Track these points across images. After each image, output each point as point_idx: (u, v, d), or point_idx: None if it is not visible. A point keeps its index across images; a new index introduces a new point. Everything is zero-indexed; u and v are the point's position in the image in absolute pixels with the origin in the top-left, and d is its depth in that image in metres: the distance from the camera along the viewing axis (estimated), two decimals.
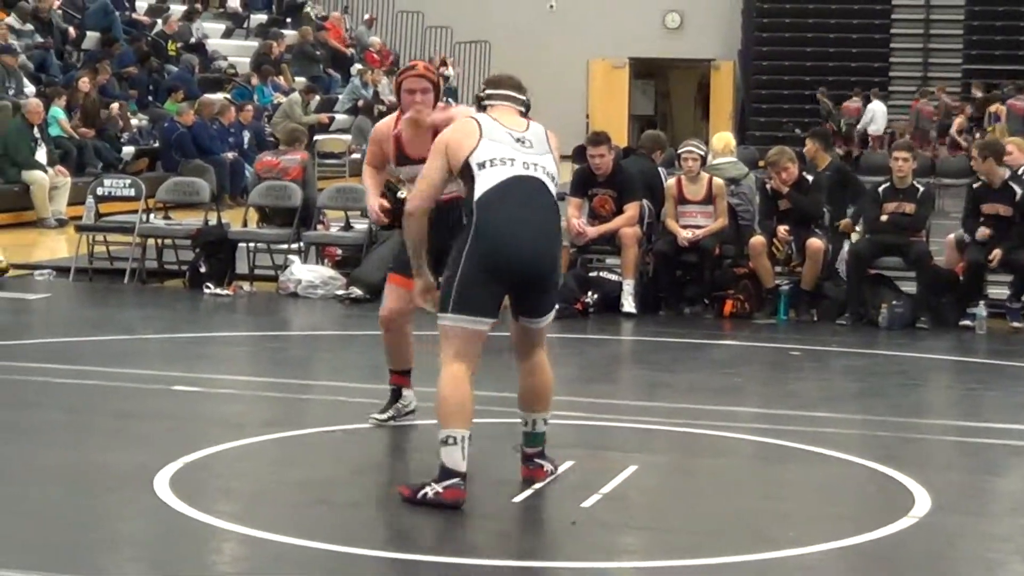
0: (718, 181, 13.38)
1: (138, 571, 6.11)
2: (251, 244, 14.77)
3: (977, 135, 26.80)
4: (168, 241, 15.10)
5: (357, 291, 13.48)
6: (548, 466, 7.29)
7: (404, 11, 35.63)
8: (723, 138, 14.74)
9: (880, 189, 13.13)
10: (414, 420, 8.38)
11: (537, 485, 7.16)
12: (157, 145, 22.82)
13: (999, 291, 13.08)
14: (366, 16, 34.74)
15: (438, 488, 6.72)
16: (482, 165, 6.92)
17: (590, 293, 13.11)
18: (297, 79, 28.66)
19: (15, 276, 14.77)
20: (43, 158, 19.60)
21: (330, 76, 30.43)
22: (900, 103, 32.94)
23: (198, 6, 29.23)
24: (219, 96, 25.08)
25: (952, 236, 13.16)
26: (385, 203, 8.39)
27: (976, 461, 8.32)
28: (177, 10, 28.33)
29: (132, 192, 15.53)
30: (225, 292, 14.03)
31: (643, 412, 9.15)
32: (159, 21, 27.56)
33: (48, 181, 19.32)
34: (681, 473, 7.92)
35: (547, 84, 29.14)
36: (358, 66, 30.65)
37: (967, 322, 12.67)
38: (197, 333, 12.38)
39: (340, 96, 29.49)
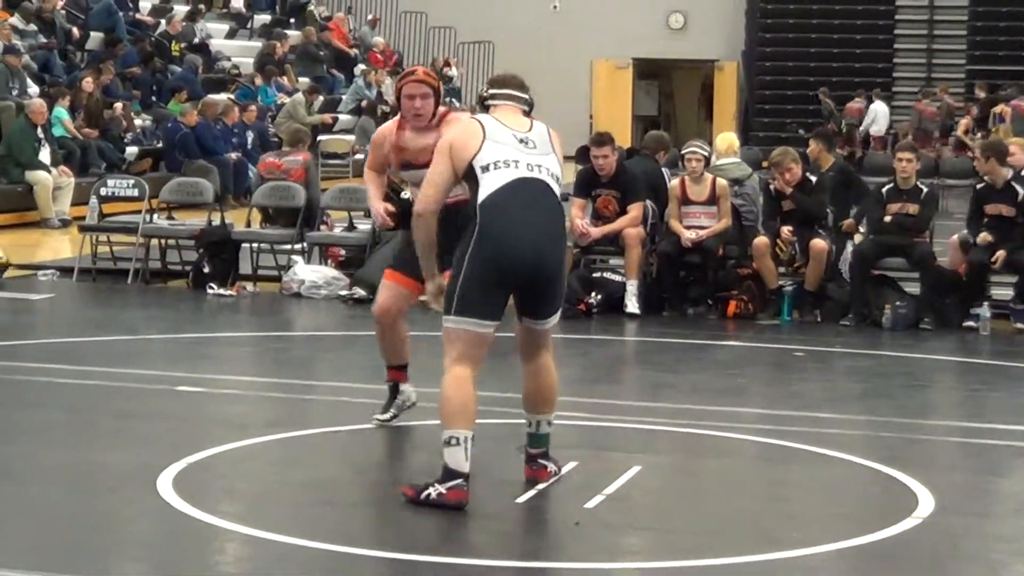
0: (722, 182, 13.37)
1: (141, 571, 6.11)
2: (254, 244, 14.77)
3: (979, 136, 26.79)
4: (172, 241, 15.11)
5: (360, 291, 13.47)
6: (552, 467, 7.28)
7: (407, 11, 35.61)
8: (727, 139, 14.73)
9: (884, 190, 13.13)
10: (417, 420, 8.37)
11: (540, 486, 7.16)
12: (161, 145, 22.81)
13: (1003, 292, 13.08)
14: (369, 16, 34.74)
15: (441, 489, 6.72)
16: (486, 168, 6.91)
17: (594, 294, 13.11)
18: (301, 79, 28.67)
19: (19, 276, 14.78)
20: (47, 158, 19.61)
21: (334, 76, 30.43)
22: (904, 104, 32.92)
23: (202, 6, 29.21)
24: (223, 96, 25.08)
25: (956, 237, 13.15)
26: (390, 206, 8.38)
27: (980, 462, 8.31)
28: (181, 10, 28.32)
29: (136, 192, 15.53)
30: (228, 292, 14.03)
31: (647, 413, 9.14)
32: (163, 21, 27.56)
33: (52, 181, 19.33)
34: (685, 474, 7.92)
35: (551, 85, 29.10)
36: (361, 66, 30.66)
37: (971, 323, 12.67)
38: (200, 333, 12.38)
39: (344, 96, 29.50)
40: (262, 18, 31.74)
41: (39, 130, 19.66)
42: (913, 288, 13.02)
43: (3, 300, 13.46)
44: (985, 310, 12.57)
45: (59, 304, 13.66)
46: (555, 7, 36.25)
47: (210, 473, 7.49)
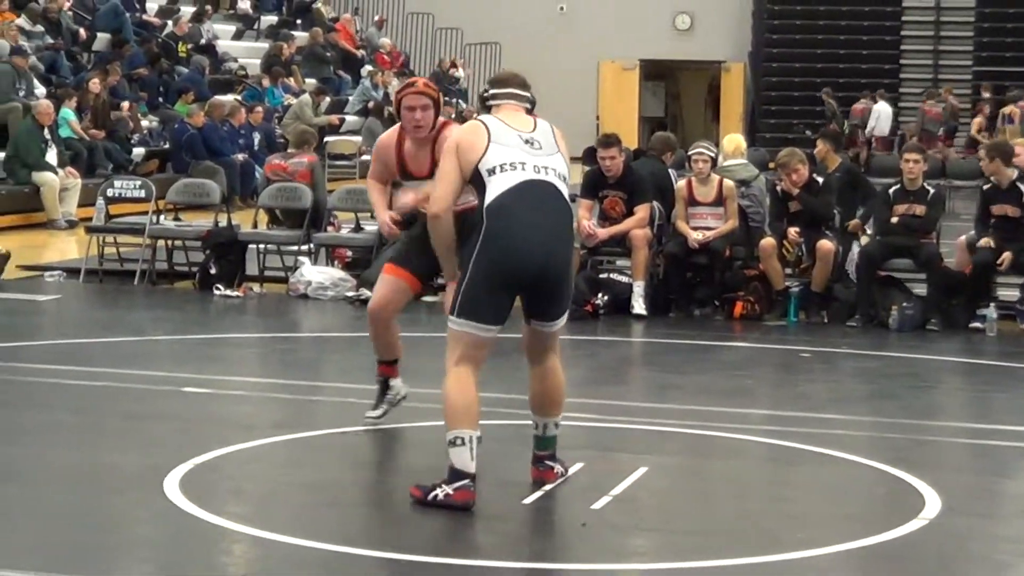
0: (728, 183, 13.37)
1: (147, 572, 6.11)
2: (261, 246, 14.78)
3: (985, 136, 26.78)
4: (178, 242, 15.11)
5: (367, 293, 13.40)
6: (558, 468, 7.28)
7: (414, 12, 35.62)
8: (733, 140, 14.72)
9: (891, 191, 13.11)
10: (423, 421, 8.36)
11: (547, 487, 7.15)
12: (167, 147, 22.84)
13: (1009, 293, 13.08)
14: (376, 18, 34.74)
15: (448, 490, 6.72)
16: (492, 171, 6.88)
17: (600, 295, 13.10)
18: (307, 81, 28.67)
19: (25, 277, 14.80)
20: (53, 159, 19.63)
21: (340, 78, 30.43)
22: (910, 105, 32.89)
23: (209, 7, 29.22)
24: (229, 98, 25.07)
25: (963, 238, 13.14)
26: (395, 215, 8.36)
27: (986, 463, 8.31)
28: (187, 12, 28.33)
29: (142, 193, 15.53)
30: (235, 294, 14.03)
31: (653, 414, 9.14)
32: (169, 23, 27.56)
33: (58, 182, 19.34)
34: (691, 475, 7.91)
35: (557, 86, 29.15)
36: (368, 68, 30.65)
37: (977, 324, 12.66)
38: (207, 335, 12.38)
39: (350, 98, 29.50)
40: (269, 19, 31.75)
41: (46, 131, 19.67)
42: (920, 289, 13.02)
43: (10, 301, 13.47)
44: (992, 311, 12.57)
45: (66, 305, 13.68)
46: (562, 8, 36.25)
47: (217, 474, 7.49)
